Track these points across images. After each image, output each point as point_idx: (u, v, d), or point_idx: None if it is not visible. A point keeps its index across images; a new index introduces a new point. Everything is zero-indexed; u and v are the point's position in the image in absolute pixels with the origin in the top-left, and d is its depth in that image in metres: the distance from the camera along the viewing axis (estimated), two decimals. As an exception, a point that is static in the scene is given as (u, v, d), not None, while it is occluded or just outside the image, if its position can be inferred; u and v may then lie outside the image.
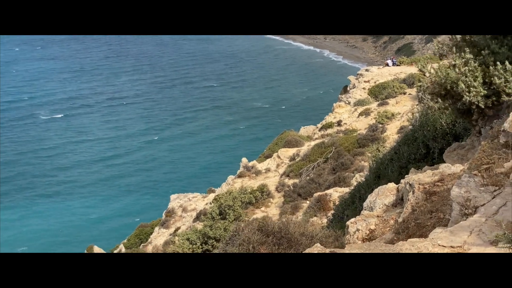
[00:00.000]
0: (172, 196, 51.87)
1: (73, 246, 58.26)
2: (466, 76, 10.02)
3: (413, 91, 47.03)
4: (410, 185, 9.80)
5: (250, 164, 46.71)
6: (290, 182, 39.91)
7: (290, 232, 7.17)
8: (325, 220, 20.02)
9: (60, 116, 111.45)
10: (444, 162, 12.31)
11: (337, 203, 23.25)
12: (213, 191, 48.45)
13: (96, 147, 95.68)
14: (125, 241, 49.64)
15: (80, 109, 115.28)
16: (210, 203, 42.02)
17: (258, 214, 36.66)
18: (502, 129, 8.93)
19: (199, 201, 47.25)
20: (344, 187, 26.50)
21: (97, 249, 52.25)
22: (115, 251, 45.71)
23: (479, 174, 7.63)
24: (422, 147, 15.81)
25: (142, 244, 45.32)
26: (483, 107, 10.25)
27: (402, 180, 10.83)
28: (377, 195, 10.91)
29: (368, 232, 9.54)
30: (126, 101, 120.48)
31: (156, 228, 46.54)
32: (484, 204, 6.23)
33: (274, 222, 7.36)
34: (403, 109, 45.88)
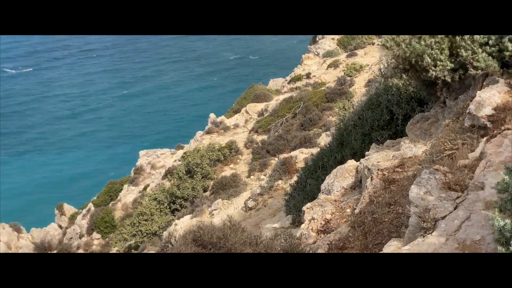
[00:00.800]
0: (141, 152, 50.69)
1: (45, 205, 57.10)
2: (432, 49, 8.99)
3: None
4: (368, 169, 8.91)
5: (219, 119, 45.54)
6: (258, 138, 39.00)
7: (231, 242, 6.26)
8: (289, 184, 19.19)
9: (27, 70, 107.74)
10: (406, 135, 11.43)
11: (302, 165, 22.49)
12: (182, 147, 47.37)
13: (65, 103, 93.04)
14: (95, 198, 48.68)
15: (47, 63, 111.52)
16: (179, 160, 41.04)
17: (227, 171, 35.82)
18: (467, 111, 8.00)
19: (168, 158, 46.22)
20: (310, 148, 25.71)
21: (67, 207, 51.28)
22: (85, 210, 44.79)
23: (441, 169, 6.72)
24: (385, 113, 14.91)
25: (112, 202, 44.43)
26: (449, 81, 9.29)
27: (361, 160, 9.93)
28: (335, 177, 10.02)
29: (324, 222, 8.68)
30: (95, 54, 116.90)
31: (125, 186, 45.60)
32: (445, 216, 5.34)
33: (213, 230, 6.41)
34: (372, 60, 44.95)
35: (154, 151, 50.56)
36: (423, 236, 5.22)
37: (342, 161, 15.30)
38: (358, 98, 32.34)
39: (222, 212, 22.71)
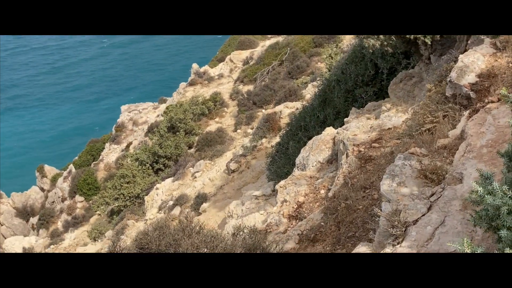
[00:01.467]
0: (123, 107, 49.90)
1: (24, 168, 56.70)
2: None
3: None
4: (344, 144, 8.40)
5: (202, 70, 44.54)
6: (244, 89, 38.20)
7: (183, 248, 5.80)
8: (271, 146, 18.71)
9: None
10: (389, 96, 10.88)
11: (287, 121, 21.98)
12: (165, 101, 46.56)
13: (44, 57, 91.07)
14: (76, 158, 48.28)
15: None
16: (161, 115, 40.34)
17: (212, 126, 35.29)
18: (448, 79, 7.43)
19: (150, 113, 45.53)
20: (296, 101, 25.11)
21: (47, 168, 50.94)
22: (66, 172, 44.46)
23: (417, 152, 6.22)
24: (370, 67, 14.29)
25: (94, 162, 44.07)
26: (429, 43, 8.67)
27: (338, 130, 9.40)
28: (311, 150, 9.51)
29: (296, 206, 8.24)
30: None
31: (107, 144, 45.10)
32: (417, 220, 4.87)
33: (163, 235, 5.91)
34: None
35: (136, 105, 49.78)
36: (393, 246, 4.78)
37: (324, 122, 14.80)
38: (347, 42, 31.55)
39: (204, 175, 22.34)
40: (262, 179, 17.26)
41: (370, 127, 8.55)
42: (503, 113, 6.13)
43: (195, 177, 22.83)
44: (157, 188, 24.64)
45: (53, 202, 43.64)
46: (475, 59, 7.29)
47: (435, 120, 7.33)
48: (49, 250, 34.64)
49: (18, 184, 52.61)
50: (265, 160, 17.91)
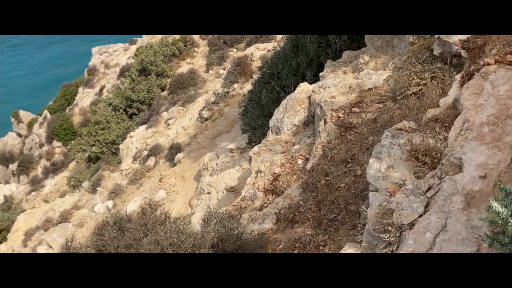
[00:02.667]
0: (94, 49, 47.77)
1: (1, 115, 54.65)
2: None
3: None
4: (321, 108, 7.43)
5: (171, 9, 42.32)
6: (214, 27, 36.48)
7: (144, 249, 4.92)
8: (243, 94, 17.58)
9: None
10: (365, 44, 9.82)
11: (259, 64, 20.81)
12: (135, 42, 44.52)
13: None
14: (51, 103, 46.55)
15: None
16: (132, 58, 38.60)
17: (184, 67, 33.80)
18: (436, 35, 6.41)
19: (121, 55, 43.62)
20: (268, 42, 23.77)
21: (23, 114, 49.18)
22: (41, 118, 42.87)
23: (406, 127, 5.31)
24: (343, 10, 13.09)
25: (68, 107, 42.50)
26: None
27: (314, 88, 8.39)
28: (285, 111, 8.51)
29: (272, 178, 7.34)
30: None
31: (80, 89, 43.40)
32: (413, 223, 4.01)
33: (119, 238, 4.99)
34: None
35: (107, 47, 47.64)
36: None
37: (297, 70, 13.73)
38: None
39: (177, 122, 21.26)
40: (236, 129, 16.31)
41: (349, 87, 7.57)
42: (503, 79, 5.20)
43: (169, 124, 21.74)
44: (131, 136, 23.53)
45: (31, 148, 42.28)
46: (465, 12, 6.25)
47: (421, 83, 6.37)
48: (30, 197, 33.69)
49: (-6, 131, 50.71)
50: (238, 108, 16.89)
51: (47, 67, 66.99)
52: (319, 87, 8.25)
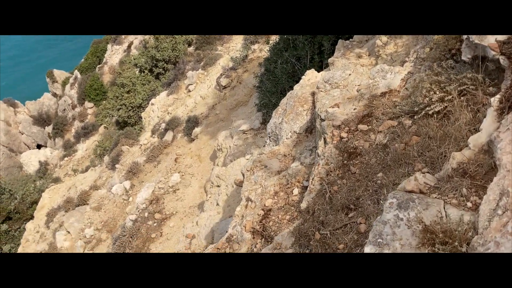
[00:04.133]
0: (122, 4, 46.38)
1: (33, 75, 54.62)
2: None
3: None
4: (321, 121, 5.86)
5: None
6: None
7: None
8: (266, 51, 15.87)
9: None
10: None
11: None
12: (162, -6, 42.76)
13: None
14: (83, 61, 45.83)
15: None
16: (159, 11, 37.03)
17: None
18: (465, 36, 4.69)
19: (148, 9, 42.04)
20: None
21: (57, 73, 48.82)
22: (72, 78, 42.30)
23: (418, 187, 3.77)
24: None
25: (98, 66, 41.60)
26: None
27: (319, 84, 6.76)
28: (284, 114, 6.96)
29: (263, 213, 5.91)
30: None
31: (109, 46, 42.31)
32: None
33: None
34: None
35: (134, 0, 46.10)
36: None
37: (314, 36, 11.97)
38: None
39: (197, 88, 19.83)
40: (254, 98, 14.81)
41: (358, 91, 5.93)
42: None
43: (189, 91, 20.35)
44: (152, 104, 22.32)
45: (64, 109, 41.96)
46: None
47: (446, 98, 4.71)
48: (63, 162, 33.44)
49: (30, 92, 50.81)
50: (257, 72, 15.30)
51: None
52: (325, 82, 6.64)
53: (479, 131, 4.03)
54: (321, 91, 6.60)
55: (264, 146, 7.25)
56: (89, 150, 32.19)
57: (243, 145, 12.05)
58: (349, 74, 6.70)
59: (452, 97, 4.64)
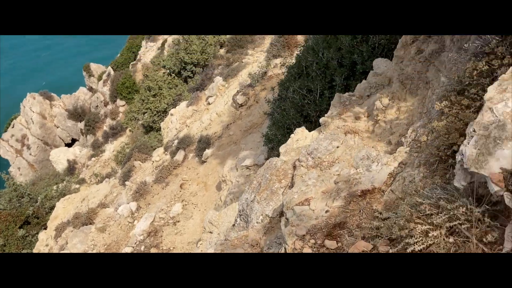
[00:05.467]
0: None
1: (70, 68, 54.87)
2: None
3: None
4: (286, 221, 4.70)
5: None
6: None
7: None
8: (287, 66, 14.72)
9: None
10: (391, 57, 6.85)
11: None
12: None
13: None
14: (118, 56, 45.55)
15: None
16: (193, 9, 36.22)
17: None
18: (458, 159, 3.45)
19: (184, 6, 41.30)
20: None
21: (93, 67, 48.91)
22: (105, 75, 42.08)
23: None
24: None
25: (131, 63, 41.17)
26: None
27: (296, 162, 5.60)
28: (258, 191, 5.79)
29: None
30: None
31: (143, 42, 41.86)
32: None
33: None
34: None
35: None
36: None
37: (327, 67, 10.74)
38: None
39: (217, 101, 18.82)
40: (266, 124, 13.70)
41: (336, 182, 4.72)
42: None
43: (209, 103, 19.36)
44: (171, 114, 21.46)
45: (96, 106, 41.79)
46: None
47: (431, 234, 3.48)
48: (91, 162, 33.15)
49: (66, 86, 51.01)
50: (271, 96, 14.16)
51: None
52: (308, 154, 5.45)
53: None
54: (302, 165, 5.45)
55: (234, 225, 6.12)
56: (115, 151, 31.79)
57: (244, 183, 10.99)
58: (337, 147, 5.52)
59: (438, 233, 3.43)
